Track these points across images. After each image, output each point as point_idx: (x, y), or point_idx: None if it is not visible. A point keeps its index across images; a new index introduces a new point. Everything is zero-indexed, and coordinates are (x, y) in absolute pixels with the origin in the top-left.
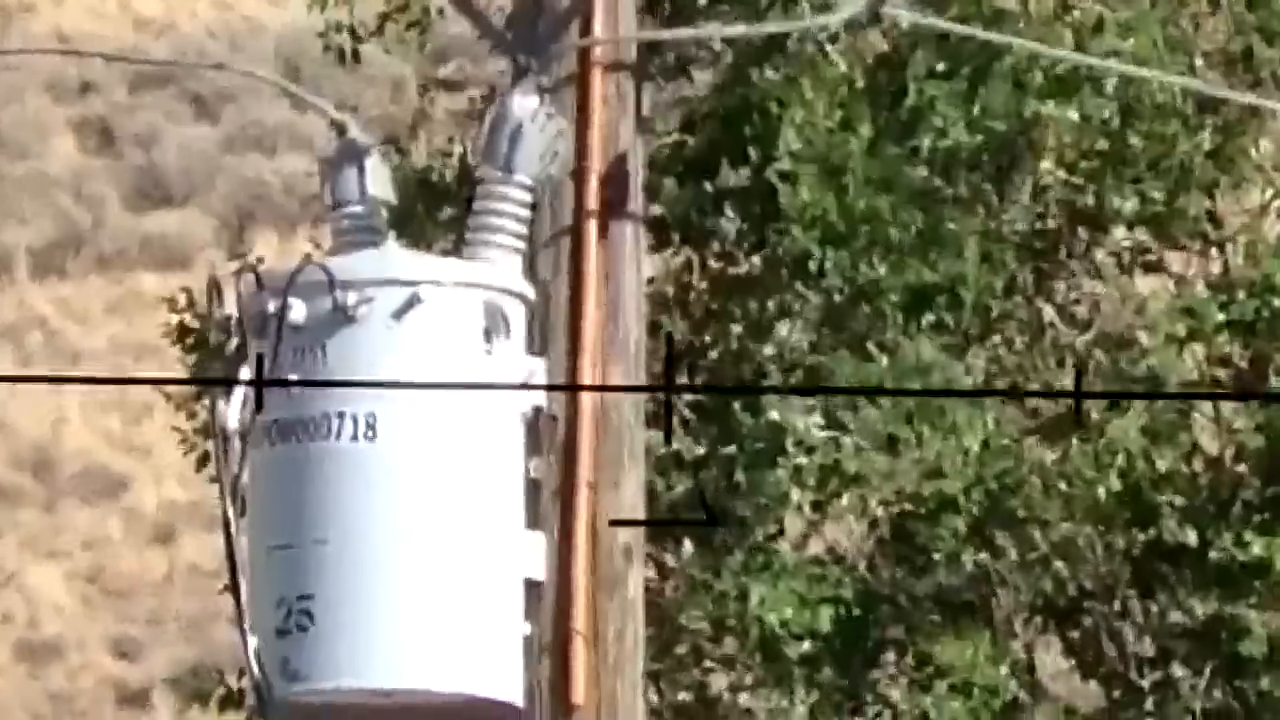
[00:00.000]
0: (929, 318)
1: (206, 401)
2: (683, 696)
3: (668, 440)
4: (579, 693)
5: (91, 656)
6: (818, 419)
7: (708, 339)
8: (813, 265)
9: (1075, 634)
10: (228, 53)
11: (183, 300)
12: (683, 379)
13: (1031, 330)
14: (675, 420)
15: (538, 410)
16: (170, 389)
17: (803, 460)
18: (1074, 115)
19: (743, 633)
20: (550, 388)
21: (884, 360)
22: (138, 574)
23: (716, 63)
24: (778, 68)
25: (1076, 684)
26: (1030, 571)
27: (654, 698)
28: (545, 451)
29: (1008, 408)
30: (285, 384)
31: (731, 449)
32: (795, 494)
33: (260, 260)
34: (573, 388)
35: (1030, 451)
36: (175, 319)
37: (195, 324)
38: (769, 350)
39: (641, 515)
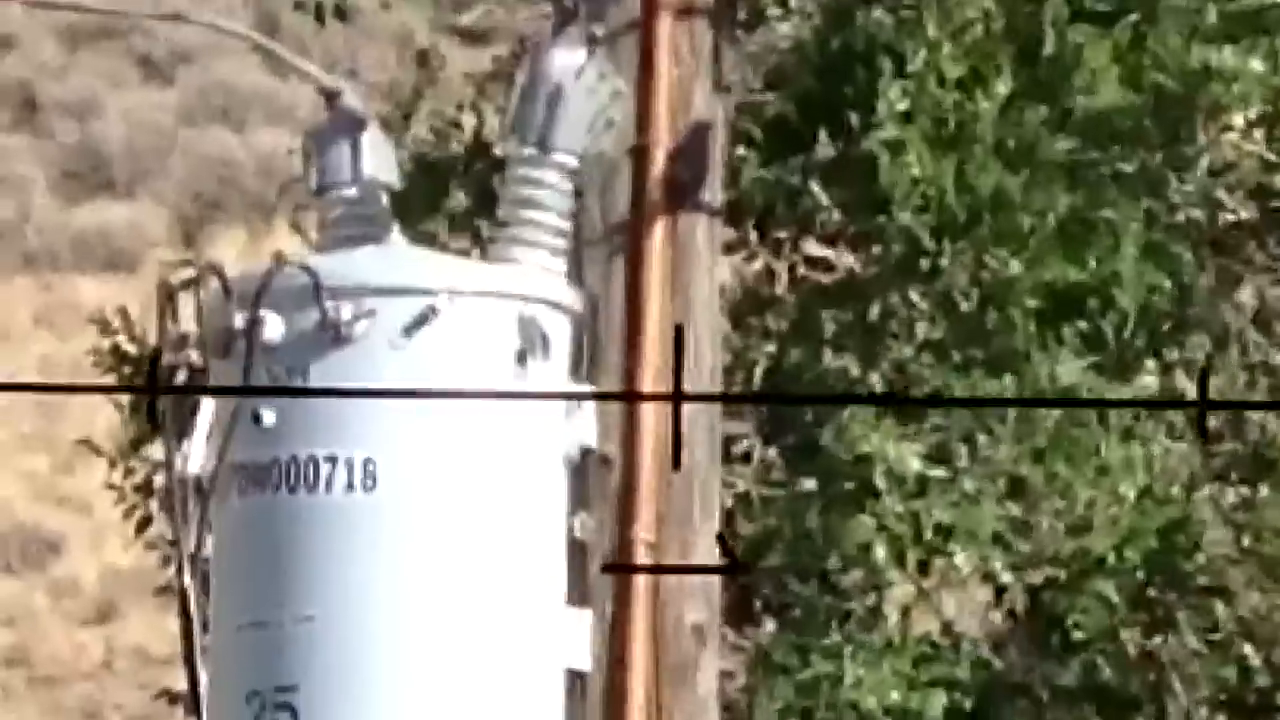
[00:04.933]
0: (1080, 326)
1: (152, 447)
2: None
3: (676, 464)
4: None
5: None
6: (917, 446)
7: (793, 358)
8: (924, 262)
9: None
10: None
11: (116, 319)
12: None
13: (1214, 343)
14: (752, 451)
15: (585, 452)
16: (106, 429)
17: (896, 505)
18: (1257, 65)
19: None
20: (605, 397)
21: (1006, 379)
22: (70, 659)
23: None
24: (892, 7)
25: None
26: (1209, 656)
27: None
28: (594, 505)
29: (1177, 441)
30: (268, 389)
31: (810, 483)
32: (880, 548)
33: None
34: (618, 395)
35: (1206, 498)
36: (106, 343)
37: (132, 348)
38: (846, 365)
39: (716, 585)
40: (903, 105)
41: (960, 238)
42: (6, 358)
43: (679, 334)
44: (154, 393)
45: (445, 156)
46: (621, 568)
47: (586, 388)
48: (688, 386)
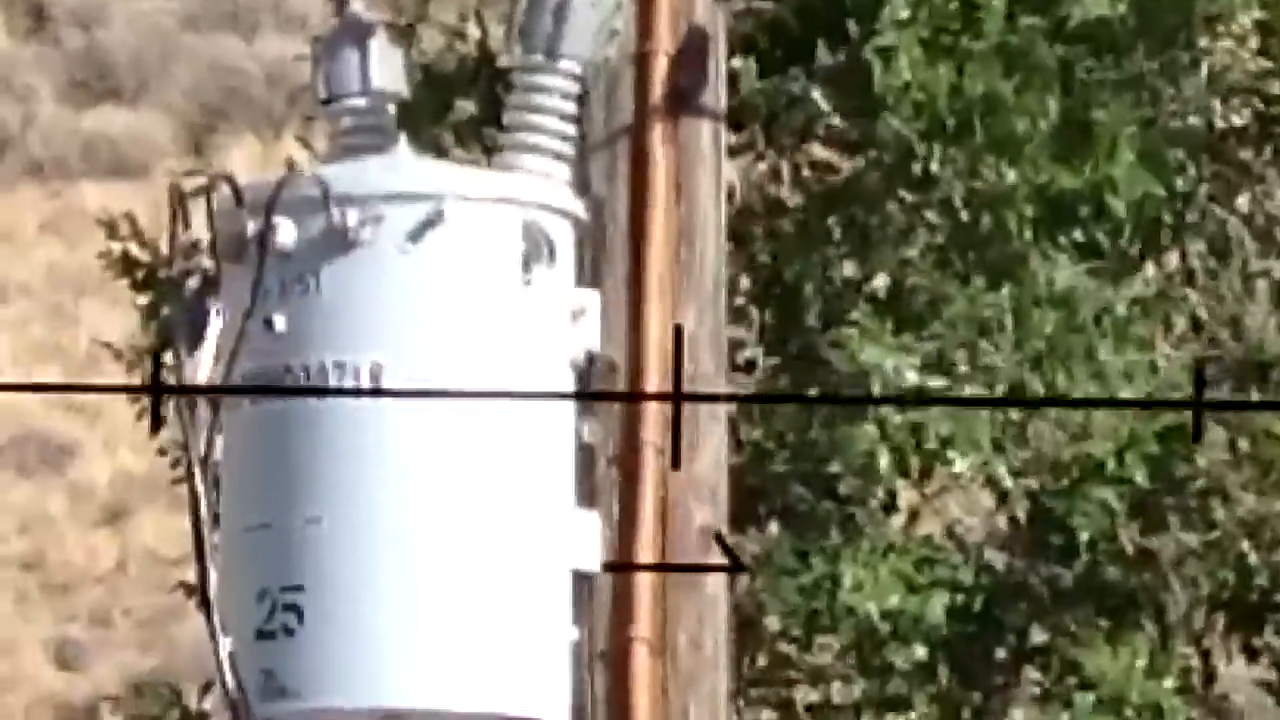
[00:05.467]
0: (1075, 236)
1: (165, 352)
2: (766, 717)
3: (675, 464)
4: (642, 714)
5: (25, 665)
6: (912, 359)
7: (795, 267)
8: (915, 166)
9: (1264, 639)
10: None
11: (125, 226)
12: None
13: (1215, 251)
14: (756, 360)
15: (591, 357)
16: (117, 337)
17: (896, 415)
18: None
19: (833, 628)
20: (605, 397)
21: (1006, 289)
22: (83, 563)
23: None
24: None
25: (1265, 702)
26: (1207, 557)
27: None
28: (601, 411)
29: (1178, 346)
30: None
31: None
32: (884, 458)
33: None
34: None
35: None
36: (116, 247)
37: (144, 255)
38: (850, 274)
39: (724, 489)
40: (904, 14)
41: (953, 143)
42: (14, 265)
43: (678, 334)
44: (157, 392)
45: (451, 67)
46: (623, 566)
47: (592, 294)
48: (690, 287)
